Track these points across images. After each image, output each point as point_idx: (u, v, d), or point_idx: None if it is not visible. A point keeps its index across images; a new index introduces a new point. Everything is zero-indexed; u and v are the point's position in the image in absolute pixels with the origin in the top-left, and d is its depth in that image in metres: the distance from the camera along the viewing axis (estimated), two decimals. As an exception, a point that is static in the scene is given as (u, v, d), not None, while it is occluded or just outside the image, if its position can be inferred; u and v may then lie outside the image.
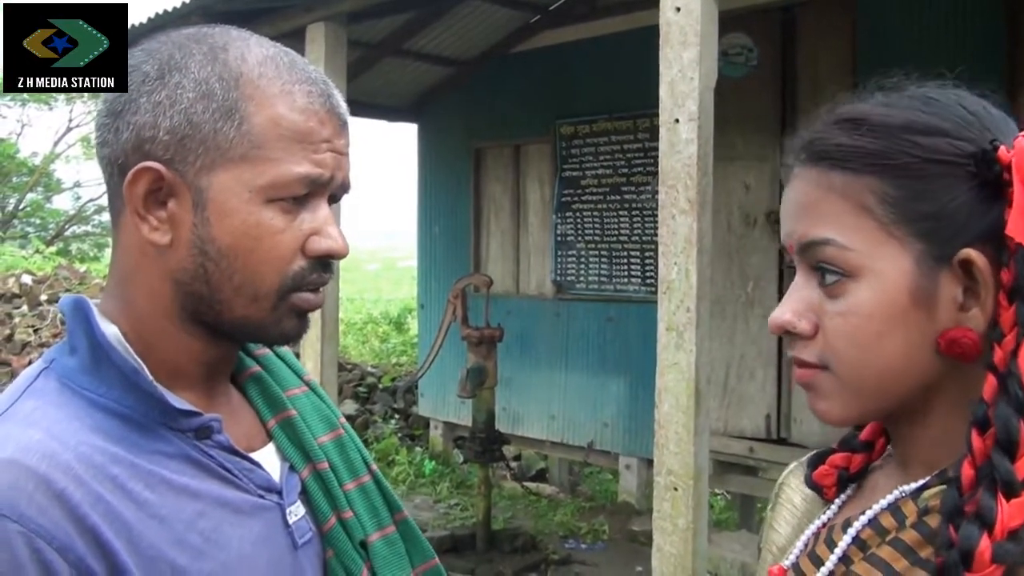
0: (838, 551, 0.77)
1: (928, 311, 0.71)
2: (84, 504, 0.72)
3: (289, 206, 0.82)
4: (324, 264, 0.85)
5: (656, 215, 3.14)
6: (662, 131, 3.04)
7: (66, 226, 18.79)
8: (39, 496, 0.70)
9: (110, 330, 0.82)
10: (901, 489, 0.76)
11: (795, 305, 0.75)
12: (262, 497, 0.86)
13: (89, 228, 19.18)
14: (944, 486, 0.71)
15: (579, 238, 6.37)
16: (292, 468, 0.92)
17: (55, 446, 0.74)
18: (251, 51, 0.83)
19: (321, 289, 0.87)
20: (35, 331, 8.14)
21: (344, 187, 0.86)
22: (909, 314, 0.71)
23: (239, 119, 0.80)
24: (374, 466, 1.00)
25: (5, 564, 0.68)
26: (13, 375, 6.94)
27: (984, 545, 0.63)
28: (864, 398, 0.74)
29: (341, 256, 0.85)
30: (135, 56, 0.83)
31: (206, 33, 0.84)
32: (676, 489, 2.99)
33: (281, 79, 0.82)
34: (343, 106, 0.87)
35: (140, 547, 0.75)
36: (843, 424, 0.80)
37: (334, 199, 0.87)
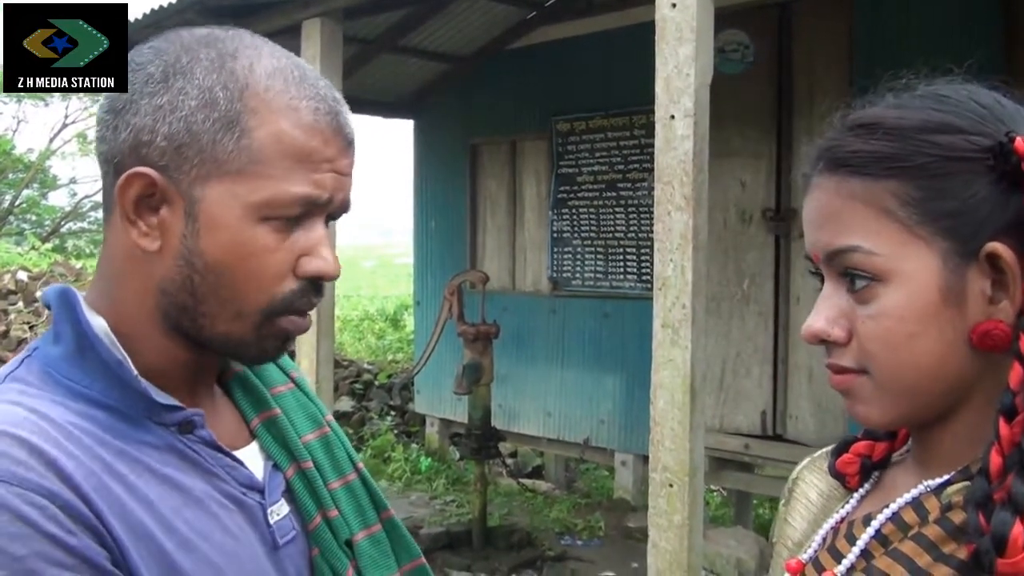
0: (859, 545, 0.78)
1: (959, 307, 0.72)
2: (76, 475, 0.71)
3: (283, 225, 0.80)
4: (315, 287, 0.84)
5: (652, 211, 3.14)
6: (658, 127, 3.04)
7: (62, 222, 18.73)
8: (34, 462, 0.69)
9: (96, 321, 0.80)
10: (926, 484, 0.76)
11: (827, 313, 0.76)
12: (244, 495, 0.85)
13: (85, 224, 19.12)
14: (967, 482, 0.72)
15: (575, 234, 6.37)
16: (276, 467, 0.91)
17: (43, 423, 0.73)
18: (261, 61, 0.80)
19: (309, 313, 0.85)
20: (31, 328, 8.13)
21: (343, 208, 0.85)
22: (940, 312, 0.72)
23: (239, 132, 0.78)
24: (360, 464, 1.00)
25: (8, 525, 0.66)
26: (9, 371, 6.91)
27: (1018, 531, 0.64)
28: (903, 399, 0.74)
29: (332, 278, 0.84)
30: (142, 54, 0.81)
31: (217, 37, 0.81)
32: (672, 485, 3.00)
33: (288, 93, 0.80)
34: (351, 125, 0.85)
35: (133, 526, 0.74)
36: (884, 427, 0.81)
37: (332, 218, 0.86)
